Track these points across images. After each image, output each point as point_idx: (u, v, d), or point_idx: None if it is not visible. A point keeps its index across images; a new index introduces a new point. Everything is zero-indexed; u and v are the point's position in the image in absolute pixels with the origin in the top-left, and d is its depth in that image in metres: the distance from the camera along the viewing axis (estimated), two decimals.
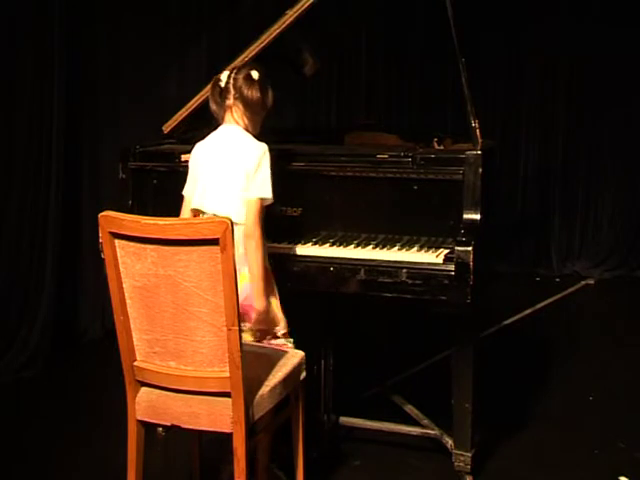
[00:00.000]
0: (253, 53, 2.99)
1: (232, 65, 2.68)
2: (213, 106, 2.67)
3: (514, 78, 6.24)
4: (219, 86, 2.64)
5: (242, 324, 2.29)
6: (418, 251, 2.65)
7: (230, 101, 2.61)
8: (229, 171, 2.53)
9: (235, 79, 2.61)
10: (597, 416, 3.52)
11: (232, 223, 2.06)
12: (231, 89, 2.60)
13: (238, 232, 2.47)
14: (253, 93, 2.60)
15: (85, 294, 4.49)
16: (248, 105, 2.61)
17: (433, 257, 2.59)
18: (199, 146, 2.67)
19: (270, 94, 2.66)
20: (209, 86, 2.68)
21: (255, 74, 2.61)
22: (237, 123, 2.62)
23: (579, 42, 6.02)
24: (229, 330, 2.13)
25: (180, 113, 3.21)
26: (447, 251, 2.60)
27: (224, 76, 2.64)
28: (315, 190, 2.89)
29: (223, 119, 2.65)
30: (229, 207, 2.50)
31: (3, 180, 4.00)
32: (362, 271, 2.64)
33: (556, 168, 6.23)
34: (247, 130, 2.62)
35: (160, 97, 4.56)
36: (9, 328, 4.03)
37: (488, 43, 6.13)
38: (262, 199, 2.54)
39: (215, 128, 2.67)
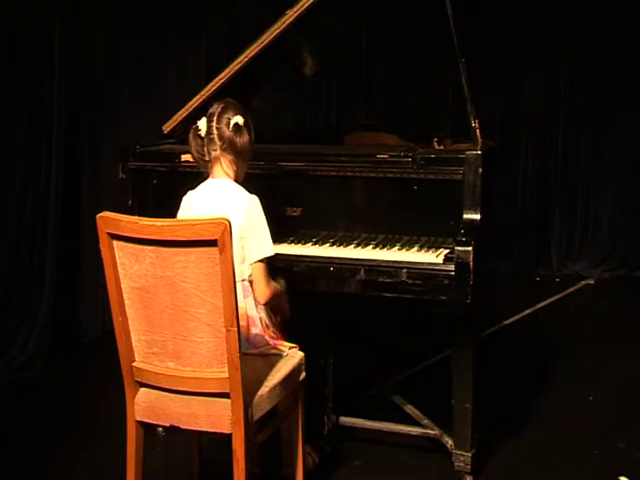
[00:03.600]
0: (253, 53, 2.99)
1: (210, 111, 2.56)
2: (196, 155, 2.60)
3: (514, 78, 6.24)
4: (199, 136, 2.57)
5: None
6: (418, 251, 2.65)
7: (217, 152, 2.54)
8: None
9: (219, 129, 2.52)
10: (597, 416, 3.52)
11: (230, 225, 2.06)
12: (216, 140, 2.52)
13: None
14: (244, 140, 2.54)
15: (85, 294, 4.49)
16: (240, 153, 2.55)
17: (433, 257, 2.59)
18: (190, 195, 2.60)
19: (252, 129, 2.59)
20: (190, 134, 2.60)
21: (240, 120, 2.53)
22: (227, 174, 2.55)
23: (579, 42, 6.02)
24: (228, 331, 2.12)
25: (180, 113, 3.21)
26: (447, 251, 2.60)
27: (202, 124, 2.56)
28: (315, 190, 2.89)
29: (211, 171, 2.57)
30: None
31: (3, 180, 4.00)
32: (362, 271, 2.64)
33: (556, 168, 6.24)
34: (237, 179, 2.57)
35: (160, 97, 4.56)
36: (9, 328, 4.03)
37: (488, 43, 6.13)
38: (266, 258, 2.50)
39: (204, 179, 2.61)
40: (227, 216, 2.34)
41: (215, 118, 2.54)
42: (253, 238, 2.47)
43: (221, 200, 2.52)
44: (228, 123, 2.53)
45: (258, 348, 2.53)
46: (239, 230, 2.43)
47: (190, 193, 2.62)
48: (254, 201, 2.49)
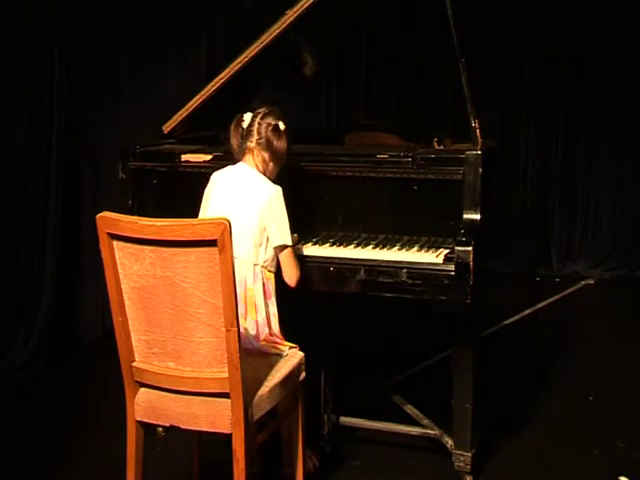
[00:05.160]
0: (253, 53, 3.00)
1: (257, 110, 2.70)
2: (234, 143, 2.71)
3: (514, 78, 6.24)
4: (241, 126, 2.69)
5: None
6: (418, 251, 2.65)
7: (252, 144, 2.65)
8: (242, 211, 2.55)
9: (260, 124, 2.65)
10: (597, 416, 3.52)
11: (230, 225, 2.07)
12: (255, 133, 2.65)
13: (242, 269, 2.52)
14: (282, 144, 2.65)
15: (85, 294, 4.49)
16: (275, 154, 2.66)
17: (433, 257, 2.59)
18: (217, 175, 2.71)
19: (291, 142, 2.71)
20: (233, 123, 2.71)
21: (282, 125, 2.66)
22: (257, 166, 2.66)
23: (579, 41, 6.02)
24: (228, 331, 2.12)
25: (180, 113, 3.21)
26: (447, 251, 2.60)
27: (247, 117, 2.69)
28: (315, 190, 2.89)
29: (242, 158, 2.68)
30: (239, 246, 2.45)
31: (3, 180, 4.00)
32: (362, 271, 2.64)
33: (556, 168, 6.24)
34: (264, 174, 2.66)
35: (160, 97, 4.56)
36: (9, 328, 4.03)
37: (488, 43, 6.12)
38: (284, 245, 2.58)
39: (234, 162, 2.71)
40: (252, 199, 2.54)
41: (260, 115, 2.68)
42: (274, 225, 2.56)
43: (247, 184, 2.61)
44: (269, 124, 2.65)
45: (260, 341, 2.55)
46: (261, 213, 2.53)
47: (217, 173, 2.71)
48: (277, 190, 2.58)
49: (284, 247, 2.59)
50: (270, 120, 2.66)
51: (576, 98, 6.12)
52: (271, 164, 2.68)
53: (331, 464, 3.00)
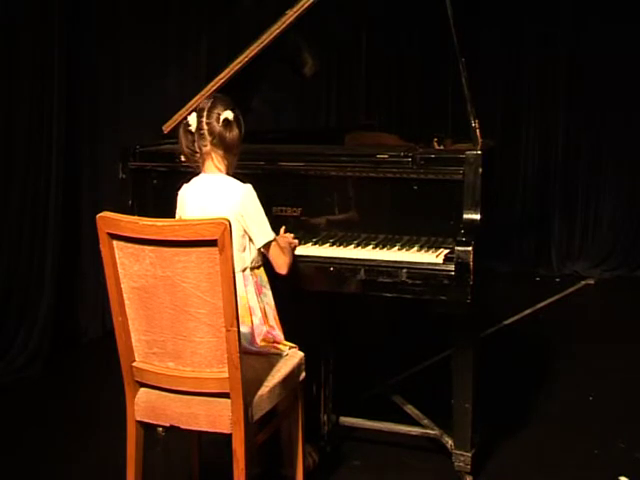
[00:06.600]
0: (253, 53, 3.00)
1: (200, 107, 2.58)
2: (186, 151, 2.61)
3: (514, 78, 6.25)
4: (190, 132, 2.58)
5: None
6: (418, 251, 2.65)
7: (208, 147, 2.55)
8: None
9: (208, 123, 2.53)
10: (597, 416, 3.52)
11: (230, 225, 2.06)
12: (206, 135, 2.54)
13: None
14: (233, 135, 2.55)
15: (85, 294, 4.49)
16: (230, 147, 2.56)
17: (433, 257, 2.59)
18: (185, 189, 2.63)
19: (242, 124, 2.61)
20: (180, 130, 2.62)
21: (230, 115, 2.54)
22: (218, 169, 2.57)
23: (579, 42, 6.02)
24: (228, 331, 2.13)
25: (180, 113, 3.20)
26: (447, 251, 2.60)
27: (193, 120, 2.57)
28: (315, 190, 2.89)
29: (203, 166, 2.59)
30: None
31: (3, 180, 4.00)
32: (362, 271, 2.64)
33: (556, 168, 6.24)
34: (228, 173, 2.59)
35: (160, 97, 4.56)
36: (9, 328, 4.03)
37: (488, 43, 6.13)
38: (269, 242, 2.53)
39: (197, 173, 2.63)
40: (224, 207, 2.45)
41: (205, 113, 2.55)
42: (253, 226, 2.51)
43: (216, 193, 2.54)
44: (218, 118, 2.54)
45: (258, 342, 2.54)
46: (237, 219, 2.46)
47: (185, 187, 2.64)
48: (249, 189, 2.52)
49: (269, 243, 2.54)
50: (217, 114, 2.52)
51: (576, 98, 6.12)
52: (229, 158, 2.58)
53: (331, 464, 3.00)
